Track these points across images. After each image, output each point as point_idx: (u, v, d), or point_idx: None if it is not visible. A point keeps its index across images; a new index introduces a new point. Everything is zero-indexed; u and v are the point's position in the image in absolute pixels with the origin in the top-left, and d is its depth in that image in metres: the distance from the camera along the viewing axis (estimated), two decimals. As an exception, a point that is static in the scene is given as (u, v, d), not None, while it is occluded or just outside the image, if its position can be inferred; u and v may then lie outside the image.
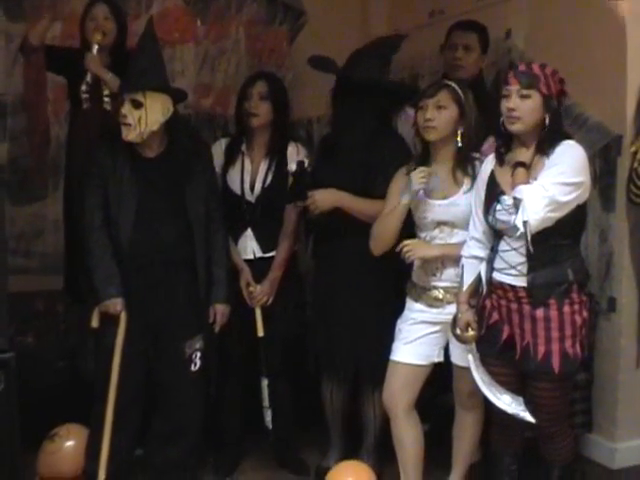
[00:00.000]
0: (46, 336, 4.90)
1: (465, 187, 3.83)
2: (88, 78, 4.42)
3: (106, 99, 4.42)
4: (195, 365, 4.14)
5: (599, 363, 4.42)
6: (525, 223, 3.33)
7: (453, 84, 3.88)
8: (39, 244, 5.55)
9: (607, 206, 4.36)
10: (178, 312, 4.10)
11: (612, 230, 4.36)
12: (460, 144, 3.84)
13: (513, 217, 3.40)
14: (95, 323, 4.05)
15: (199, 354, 4.14)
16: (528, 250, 3.43)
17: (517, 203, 3.36)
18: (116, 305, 3.99)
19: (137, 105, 3.96)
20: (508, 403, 3.60)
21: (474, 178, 3.79)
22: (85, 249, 4.07)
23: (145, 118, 3.97)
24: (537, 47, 4.71)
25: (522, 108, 3.46)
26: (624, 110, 4.28)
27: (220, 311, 4.21)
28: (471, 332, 3.70)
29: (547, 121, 3.48)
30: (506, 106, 3.49)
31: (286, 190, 4.35)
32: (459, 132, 3.82)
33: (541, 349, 3.48)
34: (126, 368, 3.98)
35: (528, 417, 3.58)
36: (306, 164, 4.19)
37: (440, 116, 3.80)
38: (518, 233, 3.38)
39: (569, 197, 3.39)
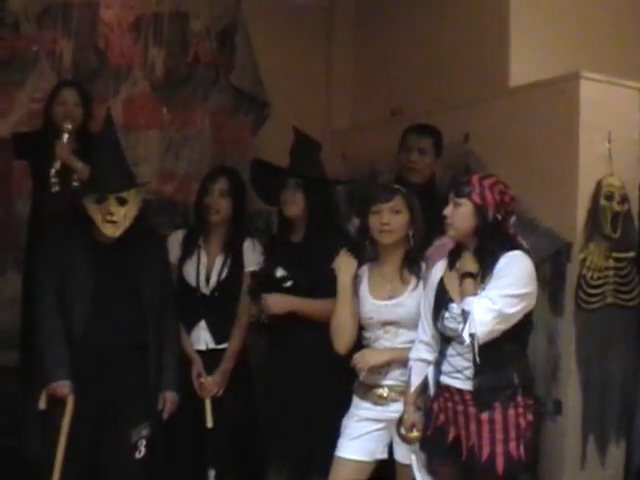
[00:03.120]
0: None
1: (411, 286, 3.94)
2: (57, 165, 4.51)
3: (75, 184, 4.51)
4: (140, 452, 4.10)
5: (544, 464, 4.42)
6: (472, 335, 3.41)
7: (403, 189, 4.01)
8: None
9: (556, 310, 4.41)
10: (127, 397, 4.10)
11: (559, 333, 4.40)
12: (410, 246, 3.95)
13: (461, 326, 3.48)
14: (42, 405, 4.03)
15: (144, 442, 4.11)
16: (474, 355, 3.49)
17: (465, 314, 3.45)
18: (64, 388, 3.99)
19: (122, 202, 4.07)
20: None
21: (419, 277, 3.92)
22: (36, 330, 4.08)
23: (129, 214, 4.09)
24: (493, 152, 4.81)
25: (453, 216, 3.60)
26: (575, 218, 4.37)
27: (170, 399, 4.22)
28: (415, 433, 3.74)
29: (475, 229, 3.58)
30: (443, 212, 3.64)
31: (240, 284, 4.48)
32: (410, 235, 3.94)
33: (485, 450, 3.50)
34: (71, 451, 3.96)
35: None
36: (288, 283, 4.25)
37: (396, 220, 3.91)
38: (466, 343, 3.46)
39: (516, 309, 3.48)
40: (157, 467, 4.25)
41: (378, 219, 3.92)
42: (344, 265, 3.98)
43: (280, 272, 4.29)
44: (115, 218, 4.05)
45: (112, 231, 4.07)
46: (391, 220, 3.91)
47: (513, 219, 3.69)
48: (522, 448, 3.53)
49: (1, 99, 5.54)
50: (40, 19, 5.57)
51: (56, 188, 4.54)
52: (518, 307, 3.48)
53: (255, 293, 4.32)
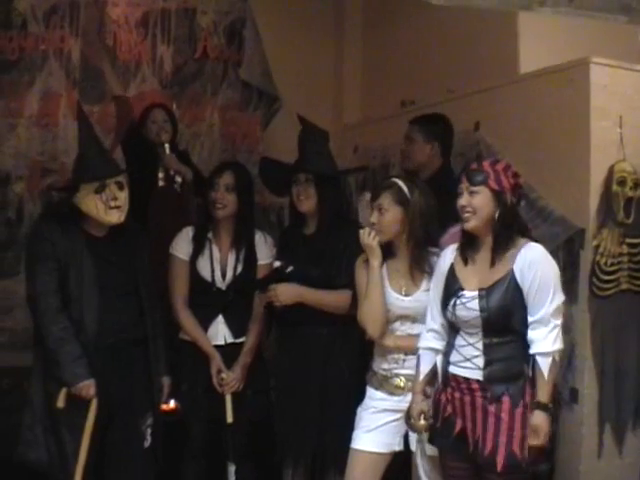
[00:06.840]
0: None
1: (424, 284, 3.85)
2: (162, 170, 5.18)
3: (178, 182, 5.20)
4: (147, 442, 4.12)
5: (561, 453, 4.41)
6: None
7: (399, 183, 3.87)
8: (9, 320, 5.53)
9: (570, 298, 4.33)
10: (135, 389, 4.10)
11: (574, 322, 4.36)
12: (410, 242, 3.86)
13: (472, 312, 3.45)
14: (61, 403, 3.91)
15: (150, 430, 4.13)
16: (484, 345, 3.46)
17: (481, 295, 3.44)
18: (89, 388, 3.89)
19: (121, 187, 4.05)
20: None
21: (431, 274, 3.80)
22: (44, 332, 3.94)
23: (127, 200, 4.07)
24: (504, 140, 4.79)
25: (472, 204, 3.49)
26: (587, 204, 4.34)
27: (166, 384, 4.27)
28: (423, 422, 3.66)
29: (497, 215, 3.48)
30: (459, 204, 3.52)
31: (255, 277, 4.46)
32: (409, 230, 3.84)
33: (488, 443, 3.44)
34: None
35: None
36: (288, 269, 4.23)
37: (382, 219, 3.83)
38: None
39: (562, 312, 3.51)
40: (158, 456, 4.24)
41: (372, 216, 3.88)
42: (371, 249, 3.84)
43: (277, 263, 4.29)
44: (119, 203, 4.01)
45: (118, 216, 4.02)
46: (376, 219, 3.84)
47: (522, 203, 3.66)
48: (526, 447, 3.44)
49: (11, 99, 5.54)
50: (48, 18, 5.58)
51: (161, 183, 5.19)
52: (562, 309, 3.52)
53: (262, 285, 4.31)
